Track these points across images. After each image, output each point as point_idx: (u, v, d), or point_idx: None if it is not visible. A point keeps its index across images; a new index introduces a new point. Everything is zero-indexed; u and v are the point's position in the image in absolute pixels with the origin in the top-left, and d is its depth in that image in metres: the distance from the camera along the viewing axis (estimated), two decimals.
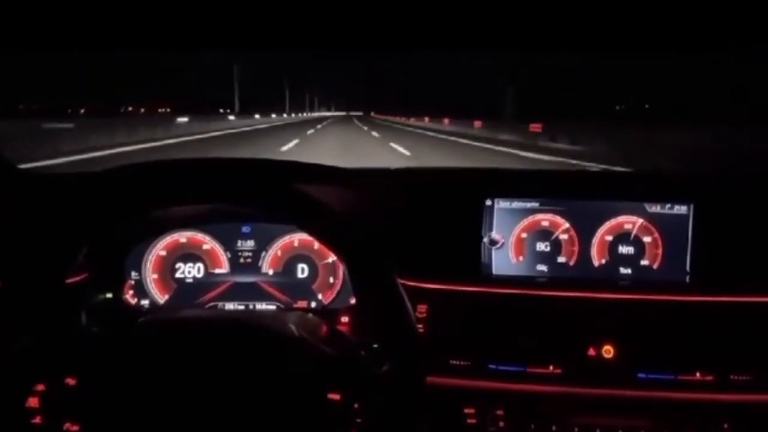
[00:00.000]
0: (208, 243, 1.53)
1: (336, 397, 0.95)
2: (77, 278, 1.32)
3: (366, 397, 0.95)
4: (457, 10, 1.07)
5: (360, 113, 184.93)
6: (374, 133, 28.59)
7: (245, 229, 1.54)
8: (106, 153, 14.21)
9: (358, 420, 0.94)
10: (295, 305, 1.53)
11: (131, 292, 1.52)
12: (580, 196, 1.45)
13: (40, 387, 0.96)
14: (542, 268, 1.44)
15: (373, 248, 1.03)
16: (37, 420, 0.95)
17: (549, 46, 1.25)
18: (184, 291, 1.53)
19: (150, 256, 1.53)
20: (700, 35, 1.10)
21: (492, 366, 1.34)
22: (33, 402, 0.95)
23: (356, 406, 0.94)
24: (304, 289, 1.54)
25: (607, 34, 1.12)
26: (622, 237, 1.42)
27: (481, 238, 1.44)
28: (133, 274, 1.52)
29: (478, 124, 29.01)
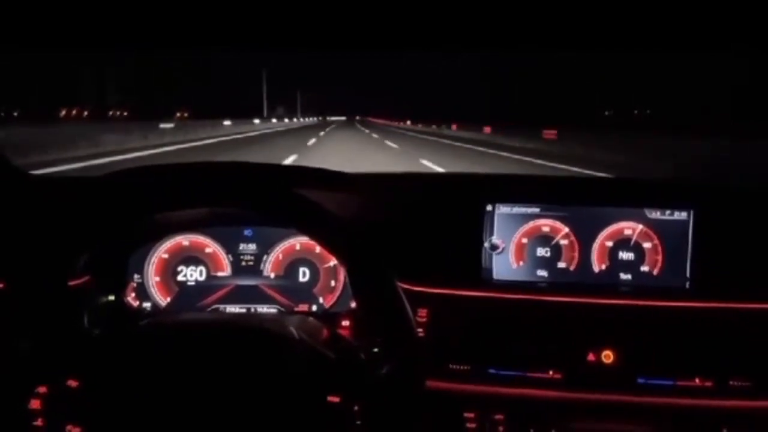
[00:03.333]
0: (211, 246, 1.54)
1: (335, 399, 0.95)
2: (80, 280, 1.32)
3: (366, 400, 0.96)
4: (447, 10, 1.07)
5: (343, 118, 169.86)
6: None
7: (247, 232, 1.55)
8: None
9: (358, 422, 0.95)
10: (296, 308, 1.54)
11: (133, 294, 1.53)
12: (581, 202, 1.45)
13: (42, 389, 0.96)
14: (542, 273, 1.45)
15: (373, 252, 1.03)
16: (39, 422, 0.95)
17: (544, 45, 1.25)
18: (185, 294, 1.54)
19: (152, 259, 1.53)
20: (700, 35, 1.11)
21: (492, 370, 1.34)
22: (35, 404, 0.96)
23: (356, 408, 0.95)
24: (306, 293, 1.55)
25: (603, 34, 1.12)
26: (622, 243, 1.43)
27: (482, 243, 1.45)
28: (136, 276, 1.53)
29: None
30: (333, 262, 1.54)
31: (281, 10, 1.08)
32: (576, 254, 1.44)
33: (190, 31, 1.18)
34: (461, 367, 1.34)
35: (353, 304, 1.51)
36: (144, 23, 1.14)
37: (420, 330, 1.33)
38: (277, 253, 1.55)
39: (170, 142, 21.10)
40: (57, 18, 1.11)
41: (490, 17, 1.08)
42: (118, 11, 1.09)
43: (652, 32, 1.11)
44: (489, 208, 1.45)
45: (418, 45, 1.24)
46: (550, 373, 1.33)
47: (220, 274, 1.55)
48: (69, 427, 0.95)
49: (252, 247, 1.55)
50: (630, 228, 1.42)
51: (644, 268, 1.42)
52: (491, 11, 1.06)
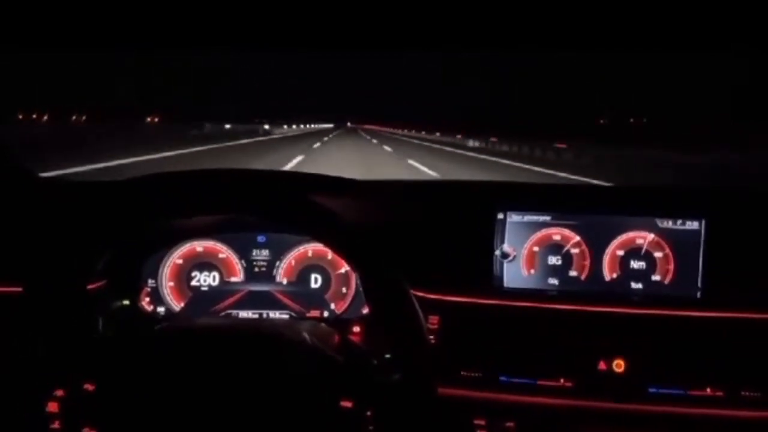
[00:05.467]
0: (224, 252, 1.56)
1: (348, 404, 0.96)
2: (96, 285, 1.34)
3: (378, 405, 0.97)
4: (445, 10, 1.07)
5: (330, 126, 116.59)
6: None
7: (260, 238, 1.56)
8: None
9: (370, 428, 0.96)
10: (307, 314, 1.55)
11: (147, 299, 1.54)
12: (592, 211, 1.46)
13: (60, 392, 0.97)
14: (553, 281, 1.45)
15: (387, 259, 1.04)
16: (56, 425, 0.97)
17: (543, 46, 1.23)
18: (199, 299, 1.55)
19: (167, 264, 1.55)
20: (700, 35, 1.10)
21: (503, 378, 1.35)
22: (52, 407, 0.97)
23: (368, 413, 0.96)
24: (317, 299, 1.56)
25: (602, 34, 1.11)
26: (634, 252, 1.43)
27: (493, 250, 1.45)
28: (150, 281, 1.54)
29: None
30: (345, 268, 1.55)
31: (276, 10, 1.08)
32: (587, 263, 1.45)
33: (183, 32, 1.18)
34: (472, 374, 1.35)
35: (365, 311, 1.53)
36: (135, 24, 1.14)
37: (431, 337, 1.34)
38: (290, 259, 1.56)
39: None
40: (47, 18, 1.11)
41: (488, 17, 1.08)
42: (110, 11, 1.09)
43: (651, 32, 1.11)
44: (500, 216, 1.46)
45: (418, 45, 1.24)
46: (561, 381, 1.33)
47: (233, 279, 1.56)
48: (85, 430, 0.96)
49: (265, 253, 1.56)
50: (641, 237, 1.43)
51: (655, 278, 1.43)
52: (490, 11, 1.06)
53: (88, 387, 0.98)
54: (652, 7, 1.02)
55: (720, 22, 1.04)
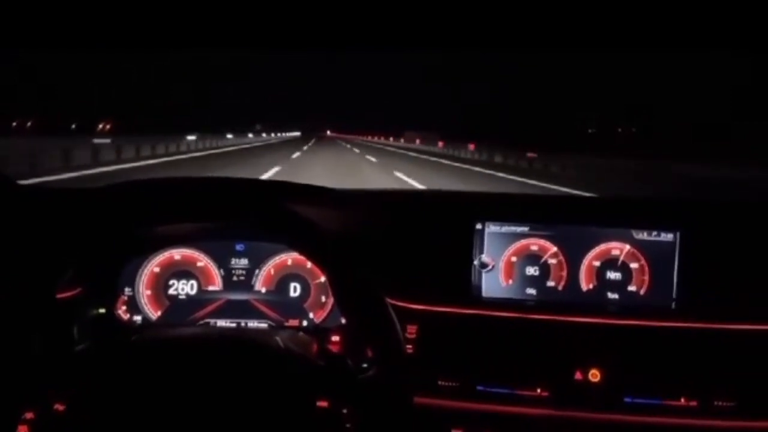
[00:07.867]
0: (202, 260, 1.55)
1: (324, 404, 0.97)
2: (71, 293, 1.32)
3: (354, 403, 0.98)
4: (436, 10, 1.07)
5: (297, 134, 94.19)
6: None
7: (239, 247, 1.55)
8: None
9: (347, 425, 0.97)
10: (286, 323, 1.54)
11: (124, 307, 1.53)
12: (569, 222, 1.47)
13: (29, 415, 0.96)
14: (531, 291, 1.46)
15: (359, 266, 1.05)
16: None
17: (536, 45, 1.23)
18: (176, 308, 1.54)
19: (144, 273, 1.54)
20: (700, 35, 1.10)
21: (480, 387, 1.35)
22: (22, 430, 0.96)
23: (345, 412, 0.97)
24: (296, 308, 1.55)
25: (601, 33, 1.11)
26: (610, 263, 1.45)
27: (472, 260, 1.46)
28: (127, 289, 1.53)
29: None
30: (324, 277, 1.55)
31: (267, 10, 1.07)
32: (564, 273, 1.46)
33: (160, 33, 1.17)
34: (450, 384, 1.35)
35: (344, 320, 1.53)
36: (121, 23, 1.13)
37: (409, 346, 1.34)
38: (269, 268, 1.55)
39: None
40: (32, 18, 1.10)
41: (484, 17, 1.08)
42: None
43: (651, 32, 1.11)
44: (479, 226, 1.47)
45: (414, 44, 1.24)
46: (538, 390, 1.34)
47: (211, 288, 1.55)
48: None
49: (243, 261, 1.55)
50: (617, 248, 1.44)
51: (631, 288, 1.44)
52: (485, 11, 1.06)
53: (59, 407, 0.96)
54: (652, 6, 1.02)
55: (720, 22, 1.04)
